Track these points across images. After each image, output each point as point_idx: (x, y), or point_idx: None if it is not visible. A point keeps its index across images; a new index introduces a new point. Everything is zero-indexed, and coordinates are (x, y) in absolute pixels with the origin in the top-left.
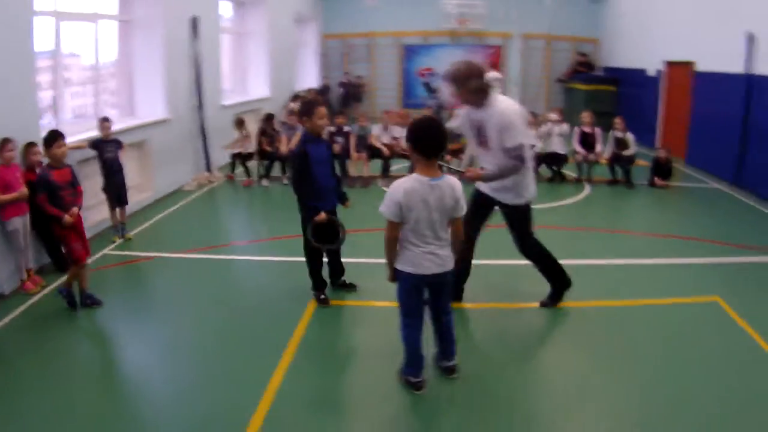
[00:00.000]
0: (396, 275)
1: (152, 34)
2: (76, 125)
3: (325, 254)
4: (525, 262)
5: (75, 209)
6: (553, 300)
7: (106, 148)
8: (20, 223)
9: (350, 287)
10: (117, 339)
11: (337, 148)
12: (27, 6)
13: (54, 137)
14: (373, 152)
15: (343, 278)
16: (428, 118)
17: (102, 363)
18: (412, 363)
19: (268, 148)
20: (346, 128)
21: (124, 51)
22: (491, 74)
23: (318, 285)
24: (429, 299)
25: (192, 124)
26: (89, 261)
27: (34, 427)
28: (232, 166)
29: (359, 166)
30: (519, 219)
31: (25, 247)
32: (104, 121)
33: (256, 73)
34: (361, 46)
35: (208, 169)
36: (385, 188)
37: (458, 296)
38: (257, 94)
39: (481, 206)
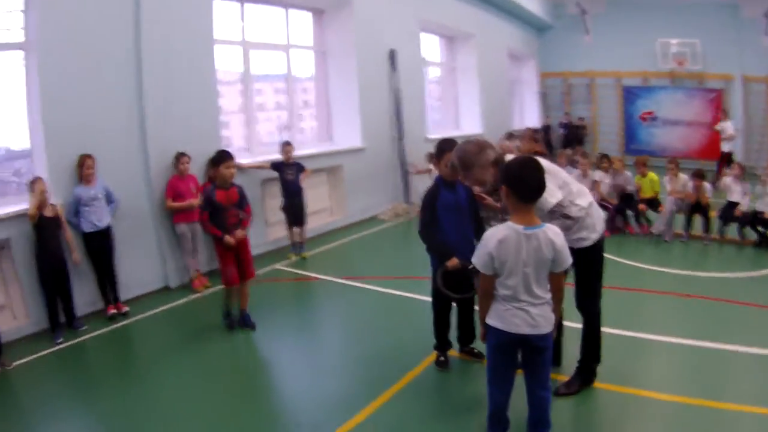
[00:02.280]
0: (486, 331)
1: (347, 65)
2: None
3: (457, 311)
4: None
5: (239, 232)
6: (580, 382)
7: (287, 171)
8: (187, 228)
9: (478, 356)
10: (253, 342)
11: None
12: (208, 36)
13: (222, 158)
14: None
15: (472, 345)
16: (528, 158)
17: (234, 357)
18: (493, 424)
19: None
20: None
21: (321, 79)
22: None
23: (441, 344)
24: (522, 366)
25: (391, 154)
26: (260, 272)
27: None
28: None
29: None
30: (585, 264)
31: (193, 250)
32: (286, 145)
33: (468, 109)
34: (580, 85)
35: (407, 200)
36: None
37: (556, 360)
38: (469, 130)
39: None
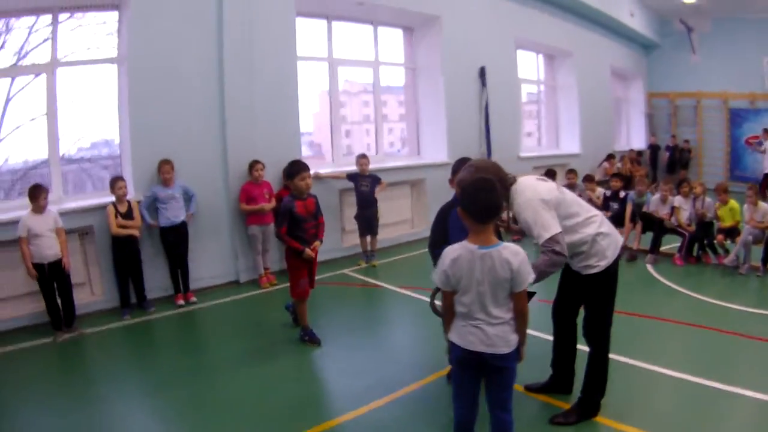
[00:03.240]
0: (450, 346)
1: (435, 81)
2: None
3: None
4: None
5: (317, 243)
6: (579, 414)
7: (361, 182)
8: (258, 230)
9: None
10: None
11: (606, 213)
12: (291, 52)
13: (297, 170)
14: (647, 223)
15: None
16: (482, 179)
17: (286, 345)
18: None
19: None
20: (622, 194)
21: (411, 95)
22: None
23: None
24: (485, 386)
25: None
26: (329, 275)
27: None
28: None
29: (631, 236)
30: (593, 291)
31: (263, 251)
32: (361, 158)
33: (568, 128)
34: (687, 107)
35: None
36: (649, 265)
37: (567, 386)
38: (568, 149)
39: (566, 281)
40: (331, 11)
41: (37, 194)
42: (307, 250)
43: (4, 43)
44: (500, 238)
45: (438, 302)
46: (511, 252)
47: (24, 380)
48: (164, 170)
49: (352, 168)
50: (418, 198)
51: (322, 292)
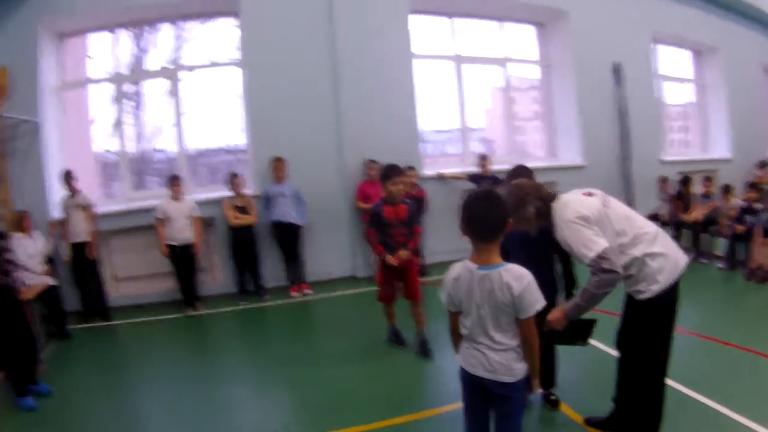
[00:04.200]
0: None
1: (567, 78)
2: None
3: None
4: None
5: (403, 252)
6: None
7: (482, 183)
8: None
9: (552, 404)
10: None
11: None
12: (405, 51)
13: (390, 174)
14: None
15: (550, 390)
16: (481, 192)
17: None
18: None
19: (681, 214)
20: (756, 205)
21: (546, 93)
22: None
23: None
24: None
25: (615, 175)
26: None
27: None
28: None
29: (765, 253)
30: (645, 319)
31: None
32: (482, 159)
33: (717, 130)
34: None
35: None
36: None
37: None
38: (718, 153)
39: (627, 306)
40: (451, 8)
41: (174, 183)
42: (389, 257)
43: (139, 49)
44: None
45: None
46: (514, 275)
47: (147, 349)
48: (276, 167)
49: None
50: None
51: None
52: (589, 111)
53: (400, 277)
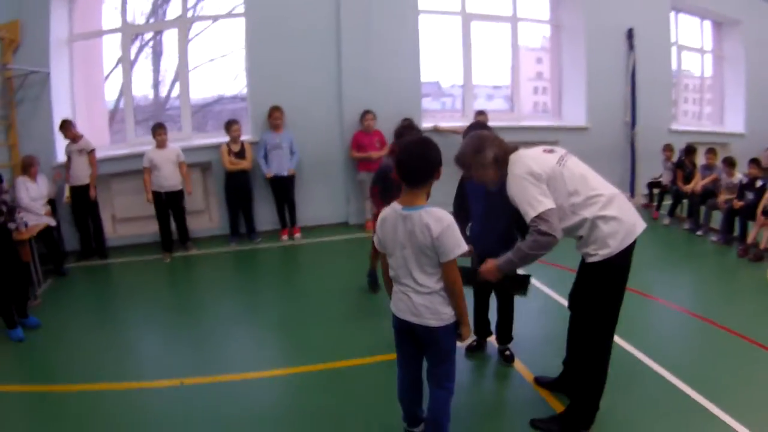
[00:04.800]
0: None
1: (577, 40)
2: None
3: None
4: None
5: None
6: (563, 425)
7: None
8: (367, 176)
9: (506, 359)
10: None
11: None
12: (412, 6)
13: (404, 132)
14: None
15: (506, 345)
16: (414, 138)
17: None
18: (402, 407)
19: (680, 184)
20: (759, 183)
21: (555, 54)
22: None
23: (476, 328)
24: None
25: (621, 140)
26: None
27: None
28: (650, 195)
29: (761, 232)
30: (593, 283)
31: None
32: (479, 114)
33: (733, 103)
34: None
35: (632, 191)
36: None
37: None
38: (731, 127)
39: (580, 267)
40: None
41: (157, 131)
42: None
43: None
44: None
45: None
46: (434, 217)
47: (137, 286)
48: (274, 116)
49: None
50: None
51: None
52: (597, 74)
53: None
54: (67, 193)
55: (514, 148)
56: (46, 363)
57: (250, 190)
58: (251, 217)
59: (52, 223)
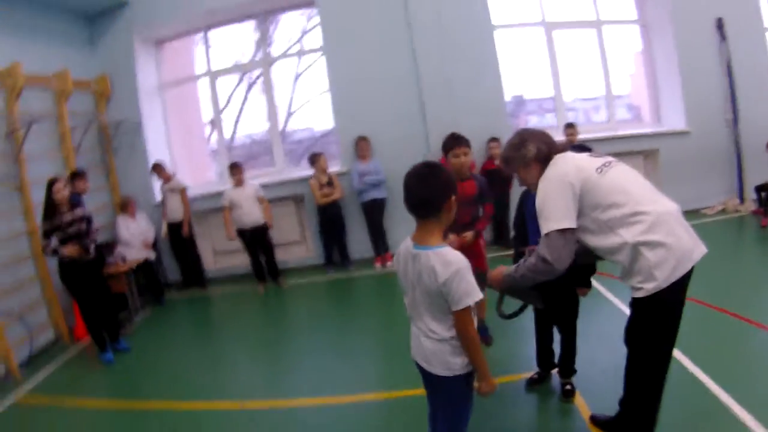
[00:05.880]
0: None
1: (666, 38)
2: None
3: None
4: None
5: (468, 234)
6: None
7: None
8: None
9: (566, 394)
10: None
11: None
12: (486, 23)
13: (449, 144)
14: None
15: (567, 380)
16: (418, 165)
17: None
18: None
19: None
20: None
21: (647, 55)
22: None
23: (537, 360)
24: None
25: (725, 140)
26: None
27: None
28: (759, 199)
29: None
30: (634, 322)
31: None
32: (568, 127)
33: None
34: None
35: (741, 196)
36: None
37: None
38: None
39: None
40: None
41: (234, 171)
42: (451, 236)
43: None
44: None
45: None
46: (442, 260)
47: (229, 314)
48: (360, 146)
49: None
50: (651, 172)
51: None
52: (692, 72)
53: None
54: (164, 228)
55: (563, 148)
56: (129, 382)
57: (342, 218)
58: (345, 246)
59: (151, 257)
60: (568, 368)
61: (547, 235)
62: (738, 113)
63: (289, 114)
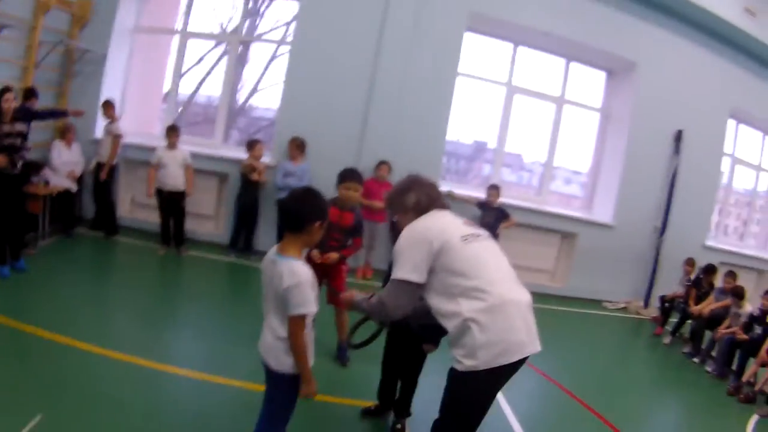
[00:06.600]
0: None
1: (621, 133)
2: None
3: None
4: None
5: (332, 255)
6: None
7: (486, 214)
8: (367, 226)
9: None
10: None
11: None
12: (452, 67)
13: (343, 177)
14: None
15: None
16: (304, 187)
17: None
18: None
19: (691, 303)
20: None
21: (599, 142)
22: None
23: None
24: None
25: (646, 246)
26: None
27: None
28: (661, 308)
29: (761, 372)
30: (447, 392)
31: (369, 247)
32: (491, 188)
33: None
34: None
35: (647, 301)
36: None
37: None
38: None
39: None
40: (515, 36)
41: (169, 133)
42: (314, 252)
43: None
44: None
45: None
46: (290, 270)
47: (124, 264)
48: (292, 147)
49: None
50: (567, 253)
51: None
52: (634, 171)
53: (325, 277)
54: (93, 165)
55: (443, 205)
56: (23, 304)
57: (257, 207)
58: (252, 235)
59: (73, 188)
60: (403, 409)
61: (392, 281)
62: (667, 224)
63: (254, 91)
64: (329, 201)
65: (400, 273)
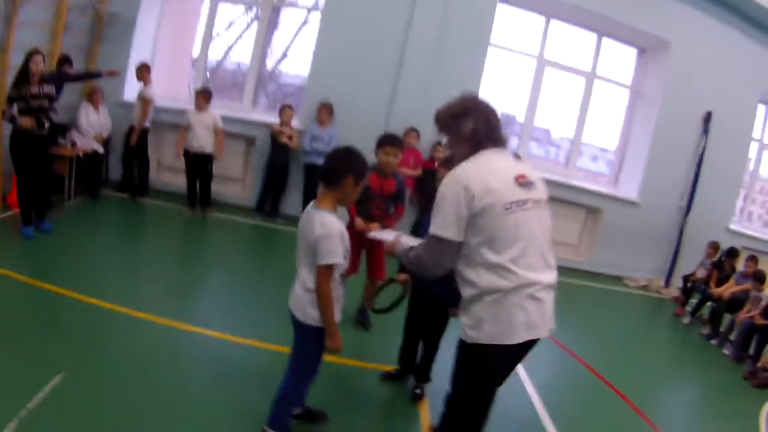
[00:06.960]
0: None
1: (650, 113)
2: None
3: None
4: None
5: (374, 225)
6: None
7: None
8: None
9: (414, 397)
10: None
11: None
12: (484, 40)
13: (381, 142)
14: None
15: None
16: (346, 146)
17: None
18: None
19: (712, 285)
20: None
21: (627, 119)
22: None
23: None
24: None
25: (671, 225)
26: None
27: None
28: (684, 288)
29: None
30: (456, 361)
31: None
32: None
33: None
34: None
35: (668, 280)
36: None
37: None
38: None
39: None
40: (548, 8)
41: (199, 96)
42: (358, 220)
43: None
44: None
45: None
46: (320, 221)
47: (150, 227)
48: (321, 112)
49: None
50: (591, 229)
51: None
52: (662, 150)
53: (365, 249)
54: (126, 129)
55: (504, 141)
56: (48, 264)
57: (287, 171)
58: (279, 198)
59: (100, 150)
60: (423, 374)
61: (428, 235)
62: (692, 205)
63: (284, 56)
64: (371, 166)
65: (434, 227)
